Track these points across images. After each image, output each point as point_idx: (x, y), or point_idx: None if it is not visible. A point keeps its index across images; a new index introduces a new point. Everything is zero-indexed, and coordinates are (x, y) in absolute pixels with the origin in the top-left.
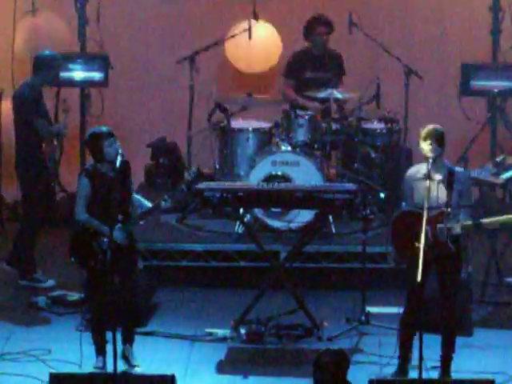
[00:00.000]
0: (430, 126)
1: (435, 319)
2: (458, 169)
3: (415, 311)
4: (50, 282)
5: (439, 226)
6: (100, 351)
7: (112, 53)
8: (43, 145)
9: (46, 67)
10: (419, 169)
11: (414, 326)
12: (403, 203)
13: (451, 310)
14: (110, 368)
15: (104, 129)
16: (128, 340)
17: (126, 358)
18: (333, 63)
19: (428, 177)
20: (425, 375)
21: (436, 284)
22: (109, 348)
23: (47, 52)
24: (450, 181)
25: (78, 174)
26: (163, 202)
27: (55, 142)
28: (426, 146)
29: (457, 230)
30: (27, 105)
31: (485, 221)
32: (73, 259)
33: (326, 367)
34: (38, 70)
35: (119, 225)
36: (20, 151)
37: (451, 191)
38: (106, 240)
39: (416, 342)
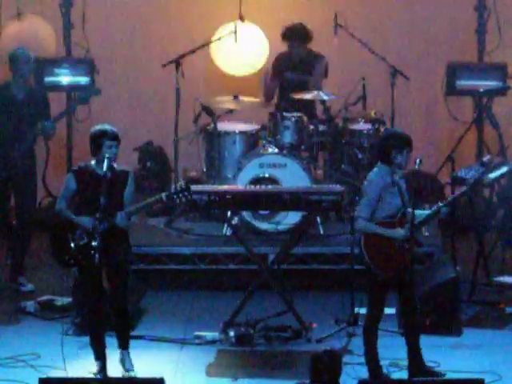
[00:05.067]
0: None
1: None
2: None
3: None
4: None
5: (407, 226)
6: (97, 356)
7: (98, 57)
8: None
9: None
10: (383, 176)
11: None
12: (362, 216)
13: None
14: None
15: (110, 129)
16: (122, 345)
17: (122, 363)
18: (315, 67)
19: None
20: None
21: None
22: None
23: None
24: (408, 184)
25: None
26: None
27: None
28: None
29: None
30: None
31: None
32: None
33: (327, 367)
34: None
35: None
36: None
37: (404, 190)
38: (79, 233)
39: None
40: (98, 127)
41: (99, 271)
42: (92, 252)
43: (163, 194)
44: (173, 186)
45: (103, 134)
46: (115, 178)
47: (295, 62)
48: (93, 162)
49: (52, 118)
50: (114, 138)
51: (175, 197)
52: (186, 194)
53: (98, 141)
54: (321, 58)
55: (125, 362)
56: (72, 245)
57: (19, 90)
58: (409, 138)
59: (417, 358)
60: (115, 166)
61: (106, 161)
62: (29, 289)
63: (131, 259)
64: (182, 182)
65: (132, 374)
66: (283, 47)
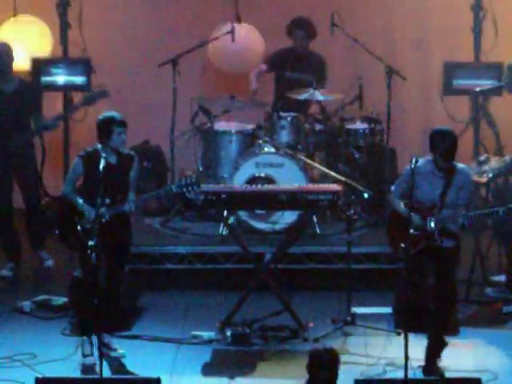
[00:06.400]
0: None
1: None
2: (460, 165)
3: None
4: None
5: (429, 217)
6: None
7: (94, 57)
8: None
9: None
10: (425, 163)
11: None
12: (391, 190)
13: (442, 307)
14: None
15: (119, 116)
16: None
17: (106, 346)
18: (314, 66)
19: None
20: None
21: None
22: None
23: None
24: (449, 176)
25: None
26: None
27: None
28: None
29: (453, 225)
30: None
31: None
32: (56, 232)
33: (327, 365)
34: None
35: (104, 208)
36: None
37: (449, 186)
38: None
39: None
40: (107, 114)
41: (99, 268)
42: (89, 251)
43: (173, 186)
44: (183, 179)
45: (112, 121)
46: (121, 164)
47: (296, 59)
48: (99, 147)
49: (54, 117)
50: (123, 124)
51: (185, 189)
52: (195, 187)
53: (107, 128)
54: (321, 57)
55: (109, 344)
56: (78, 227)
57: (7, 84)
58: (438, 143)
59: (433, 355)
60: (121, 150)
61: (102, 161)
62: (48, 265)
63: (131, 242)
64: (192, 176)
65: (121, 351)
66: (280, 47)
